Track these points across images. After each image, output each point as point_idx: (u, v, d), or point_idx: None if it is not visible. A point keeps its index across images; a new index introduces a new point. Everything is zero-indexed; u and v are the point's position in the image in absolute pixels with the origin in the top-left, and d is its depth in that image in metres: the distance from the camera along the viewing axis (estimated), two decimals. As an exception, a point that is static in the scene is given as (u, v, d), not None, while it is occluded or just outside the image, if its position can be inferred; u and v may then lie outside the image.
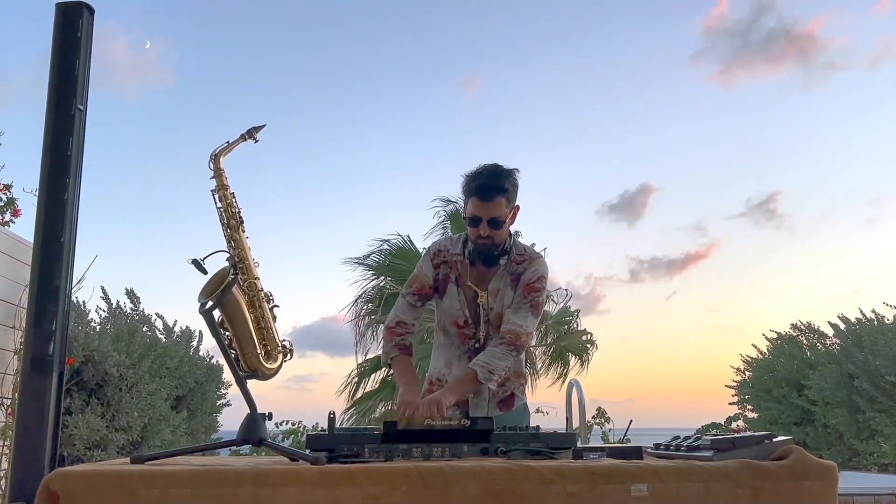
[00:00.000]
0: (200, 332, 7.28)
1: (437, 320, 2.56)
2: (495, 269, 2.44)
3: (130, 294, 6.77)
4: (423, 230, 8.78)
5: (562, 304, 10.30)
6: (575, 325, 10.38)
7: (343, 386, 9.72)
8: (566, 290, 10.39)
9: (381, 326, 2.49)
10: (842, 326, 8.30)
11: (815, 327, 8.91)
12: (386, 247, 9.07)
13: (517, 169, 2.42)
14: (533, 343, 10.35)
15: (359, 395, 9.61)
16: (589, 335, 10.27)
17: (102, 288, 6.48)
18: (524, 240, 2.88)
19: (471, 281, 2.45)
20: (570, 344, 10.19)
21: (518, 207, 2.44)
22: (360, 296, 9.42)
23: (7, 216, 4.92)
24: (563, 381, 9.79)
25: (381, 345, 2.50)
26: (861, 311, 8.17)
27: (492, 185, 2.33)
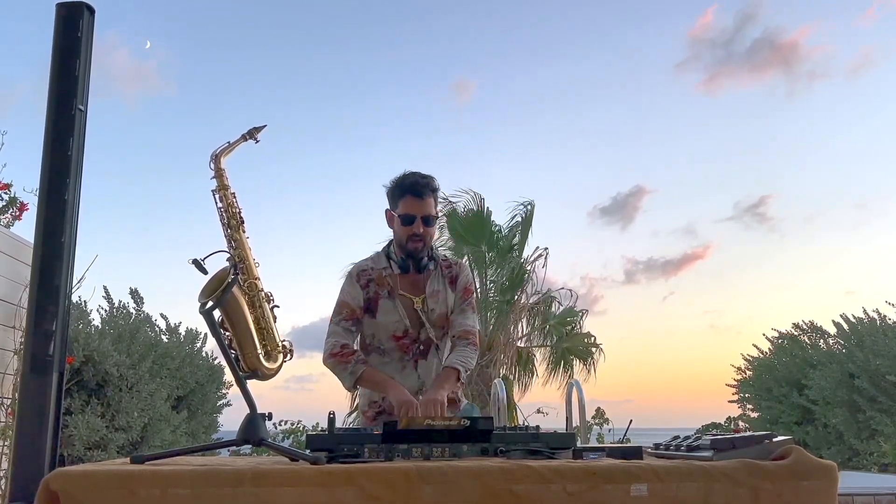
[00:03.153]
0: (205, 334, 7.29)
1: (366, 341, 2.53)
2: (425, 274, 2.49)
3: (134, 294, 6.77)
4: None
5: (567, 306, 10.29)
6: (579, 328, 10.35)
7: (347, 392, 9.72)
8: (570, 290, 10.38)
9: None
10: (844, 326, 8.30)
11: (818, 326, 8.91)
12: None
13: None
14: (534, 344, 10.36)
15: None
16: (593, 338, 10.23)
17: (105, 288, 6.48)
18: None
19: (404, 290, 2.48)
20: (572, 346, 10.17)
21: (438, 213, 2.56)
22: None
23: (11, 214, 4.91)
24: (566, 384, 9.78)
25: (336, 374, 2.41)
26: (864, 311, 8.17)
27: (424, 183, 2.44)
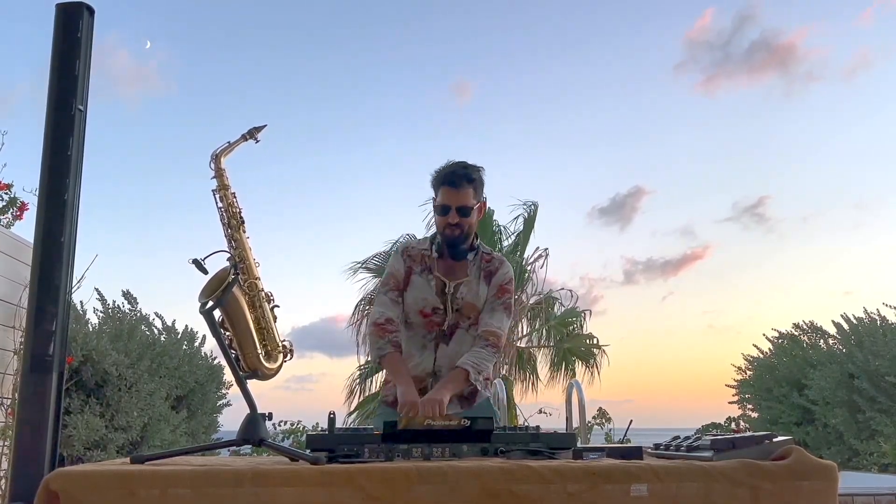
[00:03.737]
0: (204, 335, 7.29)
1: (400, 311, 2.58)
2: (463, 263, 2.51)
3: (127, 295, 6.77)
4: (428, 231, 8.84)
5: (568, 306, 10.28)
6: (580, 329, 10.34)
7: (346, 389, 9.73)
8: (570, 291, 10.38)
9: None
10: (844, 326, 8.30)
11: (818, 326, 8.91)
12: (389, 248, 9.08)
13: (483, 167, 2.52)
14: (534, 344, 10.35)
15: (361, 396, 9.60)
16: (595, 339, 10.21)
17: (97, 290, 6.48)
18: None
19: (439, 272, 2.51)
20: (573, 346, 10.15)
21: (485, 203, 2.54)
22: (362, 299, 9.43)
23: (11, 214, 4.90)
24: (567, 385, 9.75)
25: (369, 341, 2.50)
26: (865, 311, 8.17)
27: (460, 174, 2.44)
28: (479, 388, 2.48)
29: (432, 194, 2.54)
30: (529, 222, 10.02)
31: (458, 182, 2.43)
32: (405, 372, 2.40)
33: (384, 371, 2.61)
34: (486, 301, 2.50)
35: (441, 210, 2.45)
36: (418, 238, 2.63)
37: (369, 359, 2.53)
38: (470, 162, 2.50)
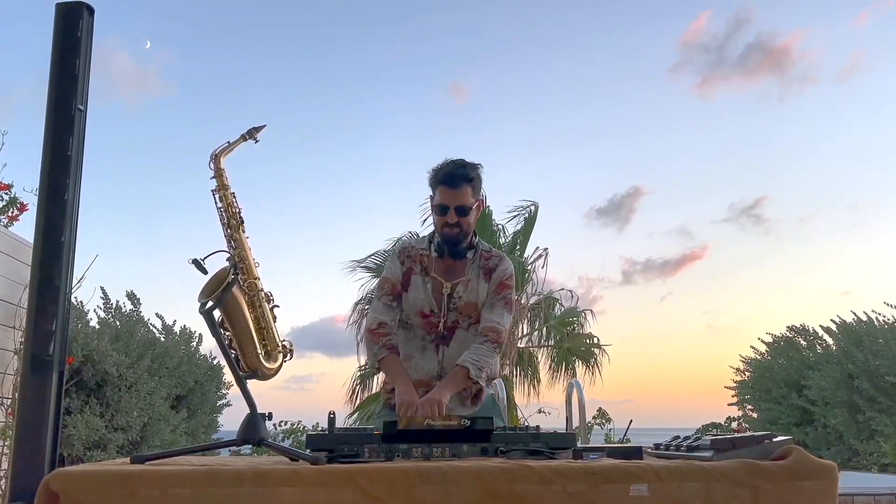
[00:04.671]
0: (201, 334, 7.29)
1: (401, 316, 2.57)
2: (463, 262, 2.50)
3: (131, 296, 6.77)
4: (425, 231, 8.83)
5: (568, 305, 10.28)
6: (580, 328, 10.34)
7: (346, 390, 9.73)
8: (570, 291, 10.38)
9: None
10: (842, 327, 8.30)
11: (811, 329, 8.91)
12: (388, 247, 9.08)
13: (481, 164, 2.50)
14: (535, 344, 10.35)
15: (361, 397, 9.60)
16: (595, 339, 10.21)
17: (102, 288, 6.48)
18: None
19: (436, 273, 2.50)
20: (573, 346, 10.15)
21: (483, 200, 2.54)
22: (361, 299, 9.42)
23: (10, 214, 4.90)
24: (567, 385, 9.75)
25: (365, 348, 2.50)
26: (864, 312, 8.18)
27: (458, 174, 2.43)
28: (483, 385, 2.46)
29: (430, 193, 2.53)
30: (530, 222, 10.01)
31: (456, 182, 2.41)
32: (402, 372, 2.40)
33: (382, 374, 2.61)
34: (486, 297, 2.49)
35: (439, 210, 2.44)
36: (419, 236, 2.63)
37: (367, 365, 2.50)
38: (468, 160, 2.48)
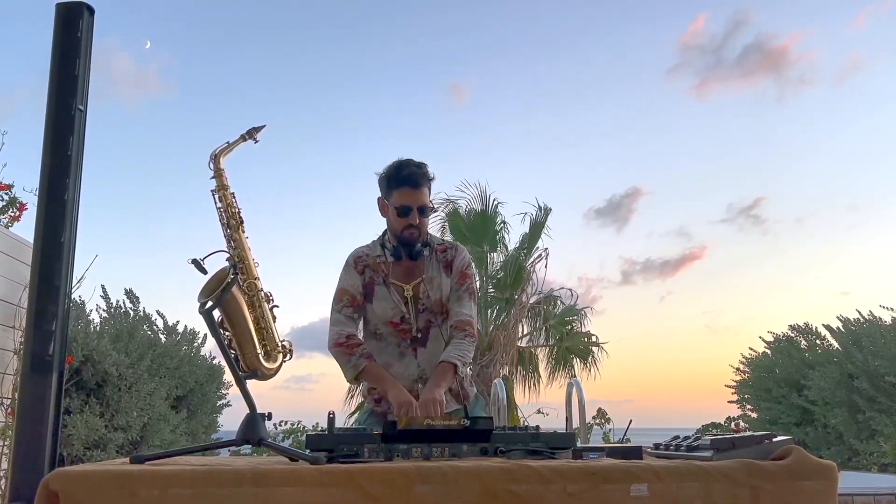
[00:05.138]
0: (204, 335, 7.29)
1: (367, 327, 2.53)
2: (420, 261, 2.47)
3: (130, 294, 6.77)
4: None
5: (568, 304, 10.30)
6: (579, 327, 10.36)
7: (346, 390, 9.74)
8: (570, 290, 10.40)
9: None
10: (841, 327, 8.30)
11: (813, 328, 8.91)
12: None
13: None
14: (534, 344, 10.36)
15: (361, 397, 9.61)
16: (594, 337, 10.24)
17: (103, 287, 6.48)
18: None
19: (395, 278, 2.47)
20: (572, 345, 10.17)
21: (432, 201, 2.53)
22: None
23: (10, 214, 4.90)
24: (567, 383, 9.80)
25: (339, 363, 2.42)
26: (859, 312, 8.18)
27: (419, 174, 2.42)
28: (466, 384, 2.49)
29: (379, 195, 2.48)
30: (538, 226, 10.00)
31: (419, 182, 2.40)
32: (389, 376, 2.37)
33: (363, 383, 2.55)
34: (450, 290, 2.48)
35: (402, 211, 2.41)
36: (363, 245, 2.55)
37: (346, 379, 2.43)
38: (416, 160, 2.46)
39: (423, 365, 2.45)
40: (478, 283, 9.56)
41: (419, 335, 2.46)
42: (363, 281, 2.48)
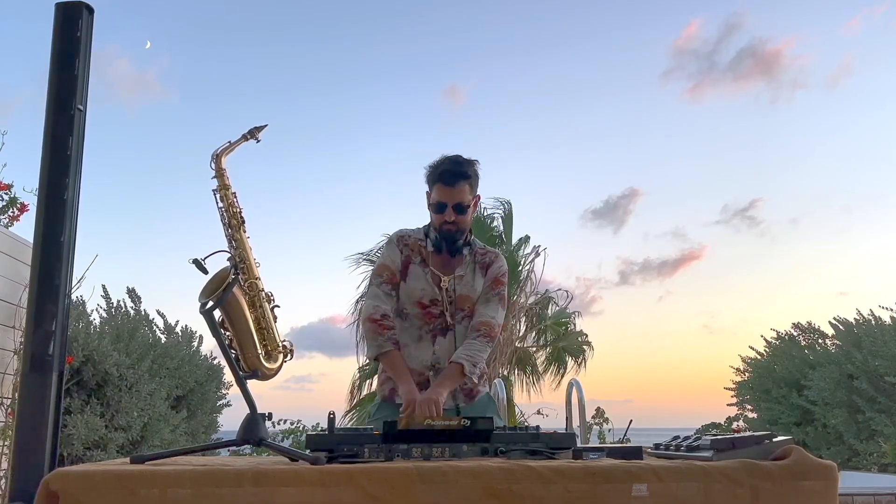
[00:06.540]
0: (201, 336, 7.28)
1: (393, 306, 2.54)
2: (458, 258, 2.49)
3: (131, 293, 6.76)
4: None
5: (562, 306, 10.33)
6: (572, 327, 10.42)
7: (348, 391, 9.76)
8: (567, 292, 10.43)
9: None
10: (841, 327, 8.30)
11: (816, 327, 8.91)
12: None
13: (478, 161, 2.49)
14: (531, 344, 10.38)
15: (361, 396, 9.61)
16: (585, 336, 10.33)
17: (103, 286, 6.46)
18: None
19: (433, 266, 2.49)
20: (568, 345, 10.21)
21: (479, 196, 2.53)
22: (362, 296, 9.42)
23: (12, 213, 4.90)
24: (561, 382, 9.88)
25: (366, 336, 2.47)
26: (858, 312, 8.18)
27: (456, 171, 2.42)
28: (476, 382, 2.47)
29: (426, 189, 2.51)
30: (508, 220, 10.06)
31: (453, 180, 2.41)
32: (406, 370, 2.39)
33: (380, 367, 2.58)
34: (481, 292, 2.50)
35: (437, 208, 2.44)
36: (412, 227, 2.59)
37: (366, 354, 2.43)
38: (464, 157, 2.47)
39: (438, 353, 2.46)
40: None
41: (443, 326, 2.47)
42: (402, 258, 2.51)
